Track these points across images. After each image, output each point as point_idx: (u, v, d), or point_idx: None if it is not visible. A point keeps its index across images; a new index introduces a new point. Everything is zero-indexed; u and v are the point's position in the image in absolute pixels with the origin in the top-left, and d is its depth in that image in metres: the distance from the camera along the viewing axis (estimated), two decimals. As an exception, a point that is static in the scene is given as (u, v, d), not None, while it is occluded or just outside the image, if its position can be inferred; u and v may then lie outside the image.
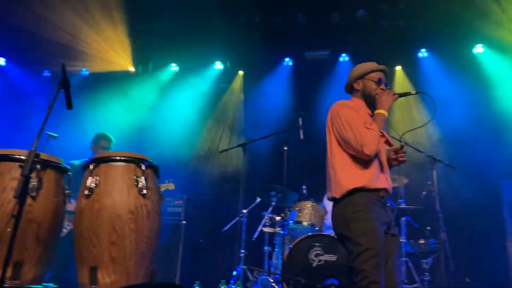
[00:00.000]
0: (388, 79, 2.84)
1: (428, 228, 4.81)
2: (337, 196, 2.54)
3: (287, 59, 7.24)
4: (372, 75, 2.75)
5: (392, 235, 2.49)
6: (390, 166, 2.73)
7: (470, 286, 5.36)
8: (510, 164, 5.63)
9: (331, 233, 4.59)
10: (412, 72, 6.80)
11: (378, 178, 2.53)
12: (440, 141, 6.05)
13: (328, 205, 5.10)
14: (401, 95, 2.67)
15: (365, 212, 2.41)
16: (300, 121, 4.71)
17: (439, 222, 4.52)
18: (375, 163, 2.55)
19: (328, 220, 4.95)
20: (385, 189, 2.56)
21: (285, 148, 4.55)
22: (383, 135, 2.51)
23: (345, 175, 2.54)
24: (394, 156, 2.65)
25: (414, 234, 4.94)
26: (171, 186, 4.74)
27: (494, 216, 5.51)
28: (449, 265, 4.57)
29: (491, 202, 5.56)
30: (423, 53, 6.82)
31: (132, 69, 7.25)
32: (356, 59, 6.98)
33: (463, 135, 5.99)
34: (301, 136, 4.70)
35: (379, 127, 2.52)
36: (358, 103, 2.77)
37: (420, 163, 5.28)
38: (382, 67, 2.79)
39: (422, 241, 4.77)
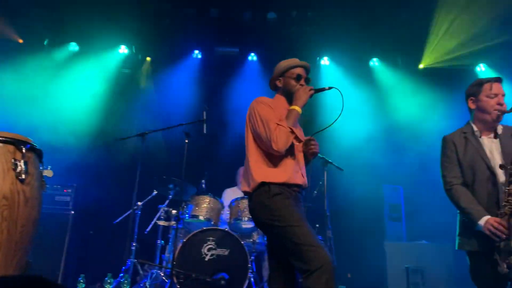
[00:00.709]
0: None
1: (317, 225, 5.08)
2: (249, 189, 2.56)
3: (196, 51, 7.16)
4: (292, 71, 2.76)
5: None
6: (308, 160, 2.76)
7: (351, 281, 5.78)
8: (393, 169, 6.20)
9: (226, 227, 4.64)
10: (314, 77, 7.14)
11: (292, 174, 2.55)
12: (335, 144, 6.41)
13: (227, 200, 5.15)
14: (317, 90, 2.69)
15: (282, 197, 2.45)
16: (204, 115, 4.66)
17: (327, 220, 4.79)
18: (289, 159, 2.58)
19: (225, 215, 5.01)
20: (299, 185, 2.59)
21: (186, 141, 4.49)
22: (293, 132, 2.53)
23: (257, 169, 2.54)
24: (305, 149, 2.69)
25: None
26: (49, 173, 4.36)
27: (376, 217, 6.02)
28: (333, 261, 4.86)
29: (374, 204, 6.06)
30: (325, 60, 7.22)
31: (20, 40, 6.57)
32: (263, 59, 7.15)
33: (357, 140, 6.46)
34: (204, 131, 4.65)
35: (289, 123, 2.52)
36: (279, 100, 2.77)
37: (313, 164, 5.55)
38: (302, 63, 2.80)
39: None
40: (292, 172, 2.55)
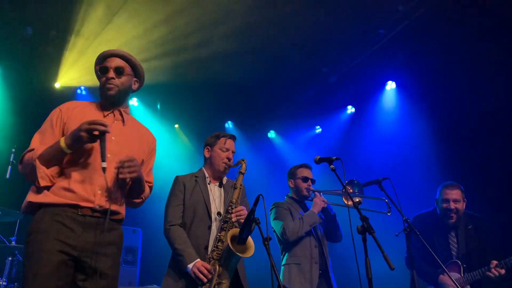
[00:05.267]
0: None
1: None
2: (21, 211, 2.13)
3: None
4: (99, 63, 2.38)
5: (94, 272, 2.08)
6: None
7: None
8: (134, 211, 6.06)
9: None
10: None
11: (77, 194, 2.07)
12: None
13: None
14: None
15: (38, 233, 2.00)
16: None
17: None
18: (73, 176, 2.08)
19: None
20: (87, 208, 2.08)
21: None
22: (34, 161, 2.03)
23: (31, 188, 2.12)
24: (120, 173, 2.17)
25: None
26: None
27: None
28: None
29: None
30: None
31: None
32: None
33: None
34: None
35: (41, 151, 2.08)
36: (92, 104, 2.36)
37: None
38: (112, 51, 2.35)
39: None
40: (76, 190, 2.07)
